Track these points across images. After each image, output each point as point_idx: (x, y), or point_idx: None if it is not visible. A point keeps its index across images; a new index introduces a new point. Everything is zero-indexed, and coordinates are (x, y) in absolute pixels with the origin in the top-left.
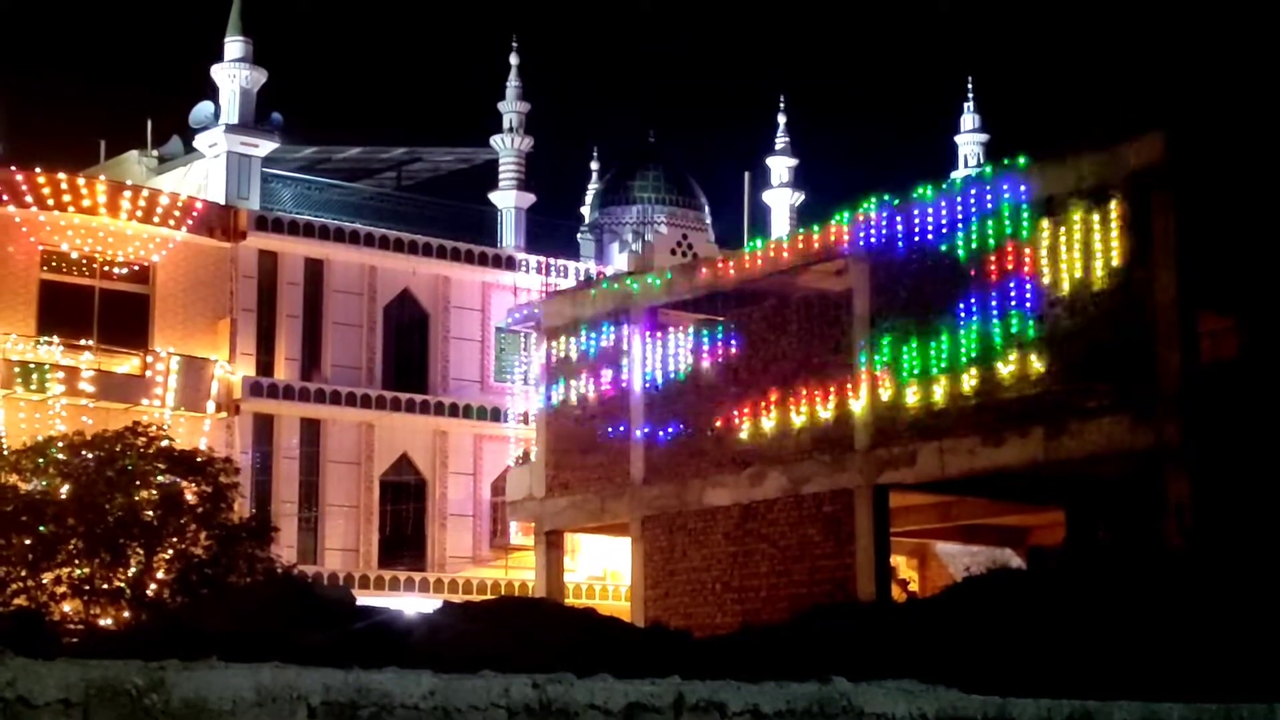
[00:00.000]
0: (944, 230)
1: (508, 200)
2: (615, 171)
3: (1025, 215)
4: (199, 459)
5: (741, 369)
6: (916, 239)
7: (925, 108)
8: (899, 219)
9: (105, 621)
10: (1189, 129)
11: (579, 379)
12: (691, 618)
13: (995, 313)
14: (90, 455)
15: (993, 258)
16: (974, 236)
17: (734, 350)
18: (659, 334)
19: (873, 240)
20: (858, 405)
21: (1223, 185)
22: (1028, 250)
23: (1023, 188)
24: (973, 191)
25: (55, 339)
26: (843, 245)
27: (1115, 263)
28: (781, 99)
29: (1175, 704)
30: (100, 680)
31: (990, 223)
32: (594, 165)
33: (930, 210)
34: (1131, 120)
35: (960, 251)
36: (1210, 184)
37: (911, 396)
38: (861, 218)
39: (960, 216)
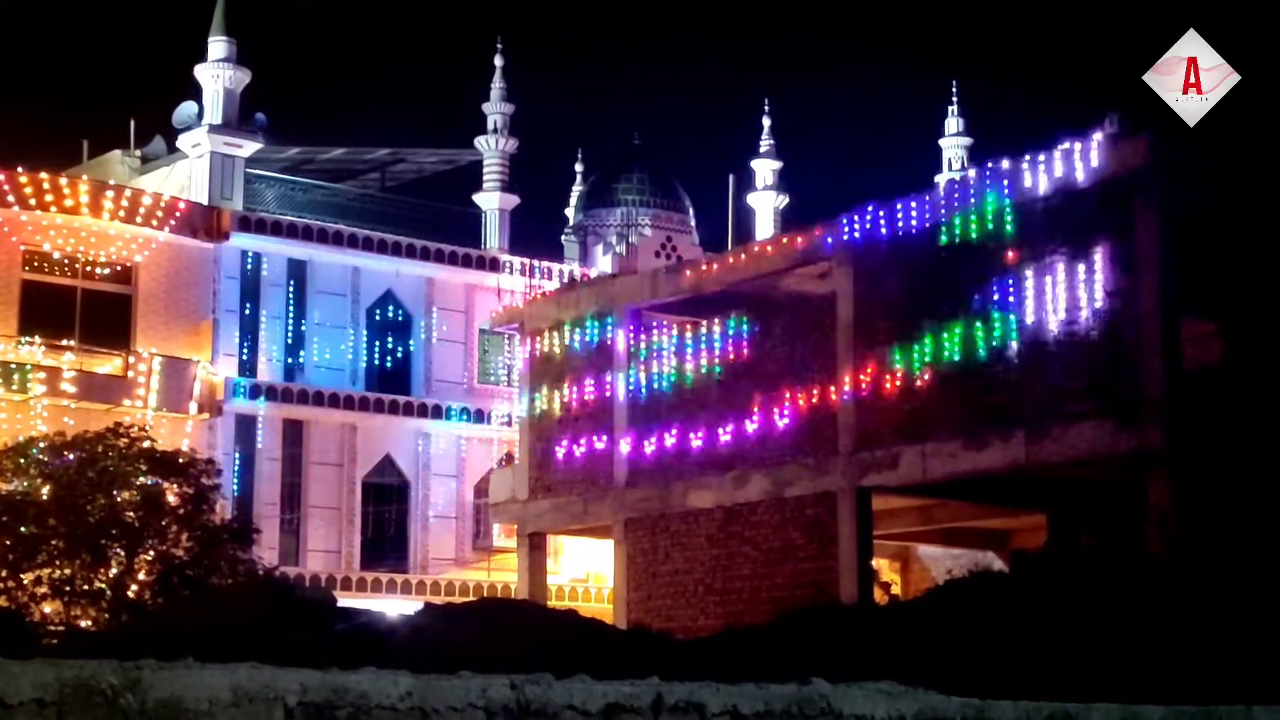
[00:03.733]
0: (927, 234)
1: (492, 202)
2: (599, 174)
3: (1008, 219)
4: (181, 460)
5: (725, 371)
6: (900, 242)
7: (909, 111)
8: (883, 222)
9: (86, 623)
10: (1173, 133)
11: (562, 381)
12: (674, 620)
13: (978, 316)
14: (71, 456)
15: (976, 261)
16: (957, 240)
17: (717, 353)
18: (642, 336)
19: (856, 243)
20: (841, 408)
21: (1207, 190)
22: (1011, 253)
23: (1006, 191)
24: (956, 194)
25: (37, 339)
26: (826, 248)
27: (1098, 267)
28: (766, 102)
29: (1154, 706)
30: (75, 680)
31: (974, 226)
32: (578, 167)
33: (914, 213)
34: (1115, 124)
35: (943, 255)
36: (1194, 189)
37: (894, 399)
38: (845, 221)
39: (943, 220)
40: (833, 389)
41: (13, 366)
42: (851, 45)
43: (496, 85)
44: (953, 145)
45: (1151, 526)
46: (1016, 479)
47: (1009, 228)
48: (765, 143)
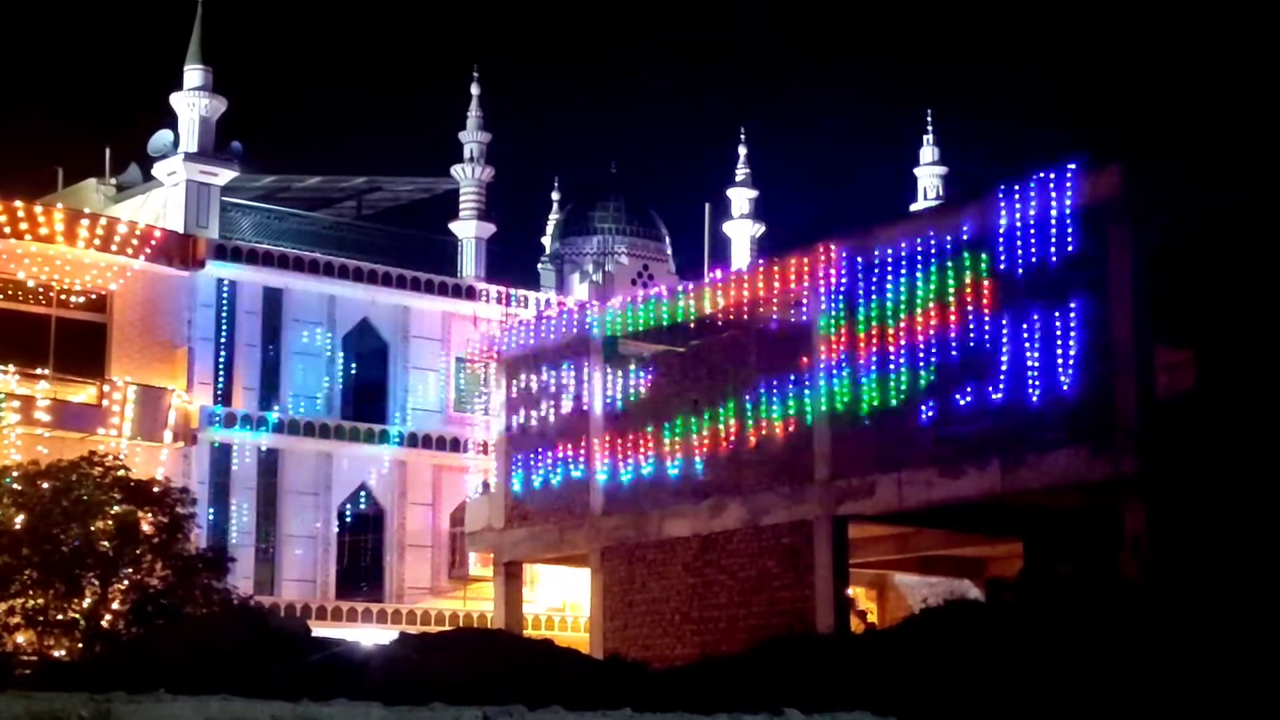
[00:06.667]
0: (903, 264)
1: (468, 230)
2: (576, 202)
3: (983, 248)
4: (155, 489)
5: (701, 399)
6: (876, 273)
7: (885, 140)
8: (858, 254)
9: (59, 653)
10: (1146, 162)
11: (539, 409)
12: (650, 649)
13: (953, 345)
14: (46, 485)
15: (951, 289)
16: (933, 269)
17: (694, 381)
18: (618, 365)
19: (832, 274)
20: (817, 436)
21: (1179, 219)
22: (985, 282)
23: (980, 221)
24: (930, 225)
25: (11, 367)
26: (803, 279)
27: (1072, 296)
28: (742, 130)
29: None
30: (45, 712)
31: (949, 256)
32: (555, 195)
33: (889, 245)
34: (1089, 153)
35: (919, 283)
36: (1166, 217)
37: (870, 428)
38: (821, 251)
39: (919, 250)
40: (809, 416)
41: None
42: (828, 74)
43: (473, 114)
44: (928, 174)
45: (1126, 553)
46: (992, 507)
47: (983, 257)
48: (741, 171)
